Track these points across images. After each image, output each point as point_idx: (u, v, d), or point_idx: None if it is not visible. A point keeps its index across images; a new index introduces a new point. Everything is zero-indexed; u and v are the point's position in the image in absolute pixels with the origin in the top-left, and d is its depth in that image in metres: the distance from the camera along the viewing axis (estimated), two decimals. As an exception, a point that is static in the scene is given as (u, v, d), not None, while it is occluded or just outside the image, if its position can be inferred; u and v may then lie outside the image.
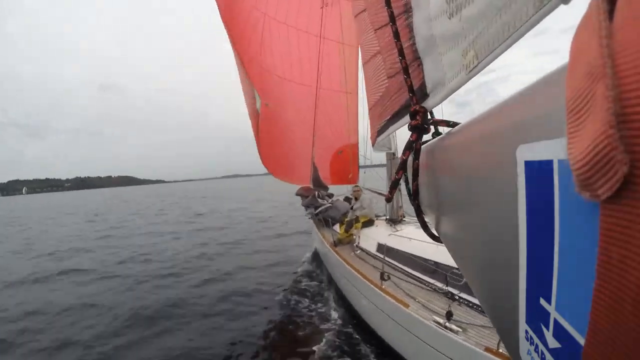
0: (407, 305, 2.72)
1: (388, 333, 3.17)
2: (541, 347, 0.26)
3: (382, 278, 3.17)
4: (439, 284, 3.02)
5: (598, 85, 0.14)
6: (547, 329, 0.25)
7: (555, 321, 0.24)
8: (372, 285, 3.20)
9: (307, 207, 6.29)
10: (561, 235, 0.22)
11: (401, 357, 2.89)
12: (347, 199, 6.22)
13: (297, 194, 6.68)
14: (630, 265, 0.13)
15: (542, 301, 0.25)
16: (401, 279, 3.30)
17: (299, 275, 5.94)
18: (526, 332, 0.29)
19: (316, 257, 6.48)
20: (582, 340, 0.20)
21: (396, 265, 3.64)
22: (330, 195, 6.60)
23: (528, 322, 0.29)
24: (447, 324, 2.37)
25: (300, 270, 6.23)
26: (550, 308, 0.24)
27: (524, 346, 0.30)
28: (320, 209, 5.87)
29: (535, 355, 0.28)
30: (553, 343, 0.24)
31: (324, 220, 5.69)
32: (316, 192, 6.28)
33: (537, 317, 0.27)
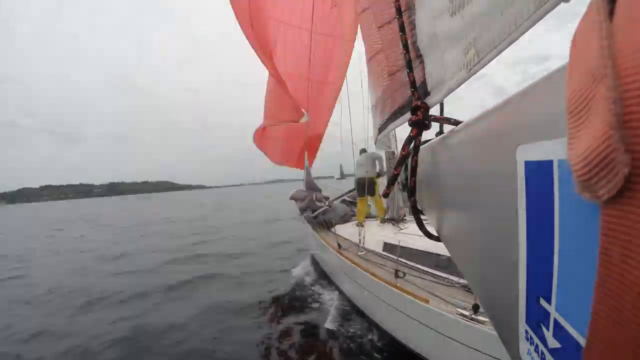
0: (426, 301, 2.59)
1: (408, 335, 2.98)
2: (541, 347, 0.26)
3: (396, 276, 3.02)
4: (455, 278, 2.90)
5: (598, 86, 0.14)
6: (547, 329, 0.25)
7: (555, 321, 0.24)
8: (386, 284, 3.04)
9: (303, 210, 6.20)
10: (561, 236, 0.22)
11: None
12: (344, 202, 6.16)
13: (291, 198, 6.59)
14: (630, 266, 0.13)
15: (542, 301, 0.25)
16: (416, 276, 3.12)
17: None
18: (526, 332, 0.29)
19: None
20: (582, 340, 0.20)
21: (408, 264, 3.48)
22: (327, 198, 6.54)
23: (528, 322, 0.29)
24: (473, 316, 2.24)
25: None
26: (550, 308, 0.24)
27: (524, 346, 0.30)
28: (318, 211, 5.77)
29: (535, 355, 0.28)
30: (553, 343, 0.24)
31: (325, 223, 5.56)
32: (314, 195, 6.23)
33: (537, 317, 0.27)
